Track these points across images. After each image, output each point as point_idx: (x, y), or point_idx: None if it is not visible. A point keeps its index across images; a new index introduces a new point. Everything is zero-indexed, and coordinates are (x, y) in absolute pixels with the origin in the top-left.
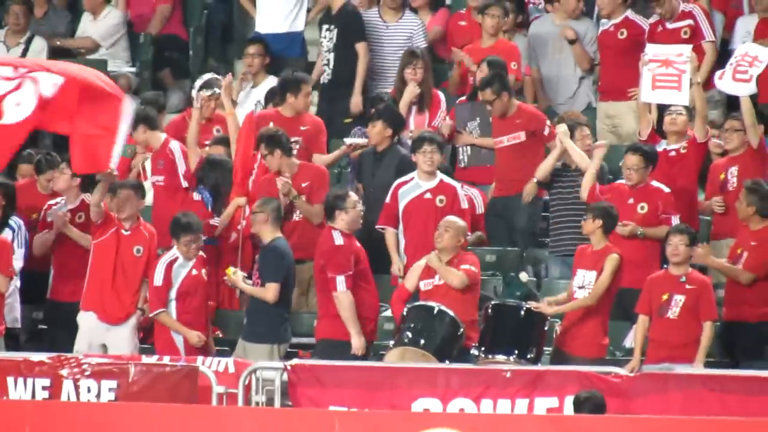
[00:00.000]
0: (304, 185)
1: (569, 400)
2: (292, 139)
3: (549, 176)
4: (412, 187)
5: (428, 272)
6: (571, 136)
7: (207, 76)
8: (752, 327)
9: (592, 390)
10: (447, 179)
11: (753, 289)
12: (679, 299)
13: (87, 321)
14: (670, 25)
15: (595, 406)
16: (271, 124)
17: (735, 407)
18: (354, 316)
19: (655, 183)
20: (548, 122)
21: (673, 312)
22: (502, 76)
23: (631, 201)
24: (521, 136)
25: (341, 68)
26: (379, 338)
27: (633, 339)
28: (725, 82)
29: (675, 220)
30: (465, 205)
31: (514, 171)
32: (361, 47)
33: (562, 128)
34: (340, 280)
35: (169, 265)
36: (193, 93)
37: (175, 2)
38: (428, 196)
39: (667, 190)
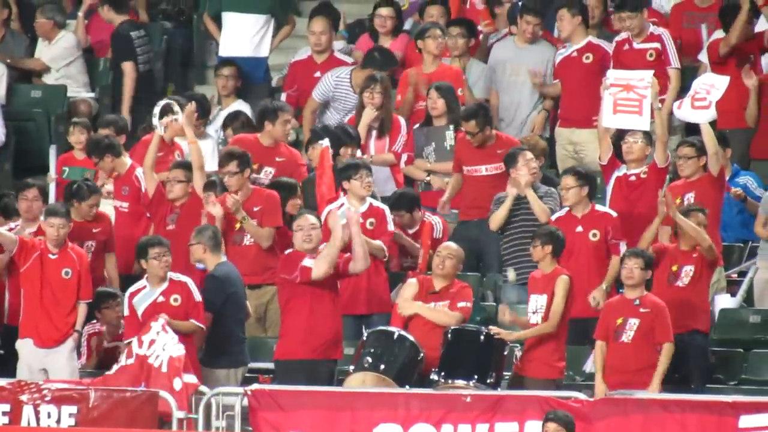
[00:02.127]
0: (255, 209)
1: (530, 425)
2: (267, 169)
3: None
4: (345, 211)
5: (422, 297)
6: (515, 162)
7: (163, 102)
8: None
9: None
10: (376, 203)
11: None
12: (634, 323)
13: (25, 347)
14: (636, 45)
15: (567, 423)
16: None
17: (694, 429)
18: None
19: (599, 208)
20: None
21: (627, 336)
22: (486, 109)
23: (579, 229)
24: (503, 166)
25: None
26: (340, 363)
27: (592, 364)
28: (684, 111)
29: (623, 246)
30: (392, 227)
31: (487, 196)
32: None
33: (514, 183)
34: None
35: (131, 295)
36: (154, 120)
37: (134, 25)
38: (360, 220)
39: (614, 214)
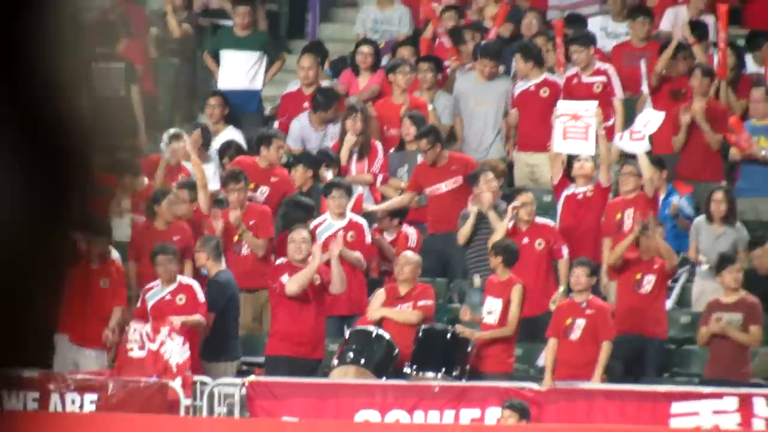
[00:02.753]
0: (251, 223)
1: (490, 412)
2: (262, 188)
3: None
4: (327, 226)
5: (390, 303)
6: (476, 181)
7: (173, 129)
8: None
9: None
10: (355, 218)
11: None
12: (581, 323)
13: (61, 341)
14: (585, 79)
15: (522, 410)
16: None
17: (632, 415)
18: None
19: (539, 220)
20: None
21: (575, 334)
22: (437, 130)
23: (526, 240)
24: (459, 180)
25: None
26: (326, 358)
27: (545, 358)
28: (623, 142)
29: (564, 250)
30: (369, 239)
31: (451, 210)
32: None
33: (477, 201)
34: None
35: (145, 291)
36: (162, 145)
37: (147, 64)
38: (341, 233)
39: (552, 224)
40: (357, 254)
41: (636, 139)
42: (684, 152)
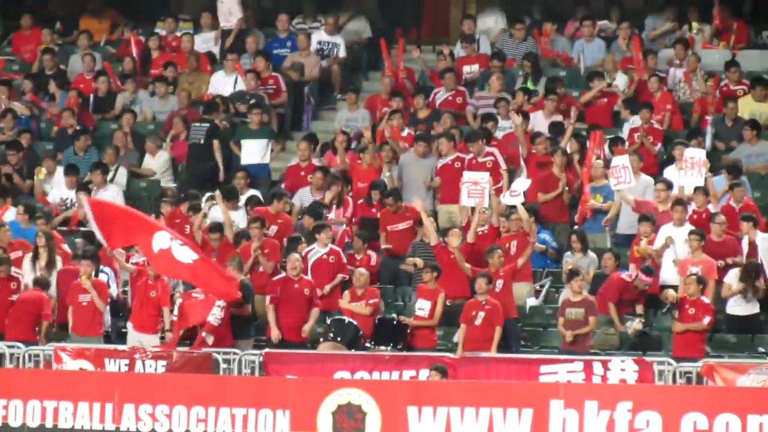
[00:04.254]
0: (266, 251)
1: (422, 372)
2: (273, 227)
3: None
4: (315, 252)
5: (352, 299)
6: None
7: (208, 193)
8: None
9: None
10: (334, 247)
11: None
12: (481, 314)
13: (130, 327)
14: (480, 159)
15: (443, 371)
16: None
17: (515, 374)
18: (272, 319)
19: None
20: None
21: (478, 321)
22: (399, 192)
23: (452, 257)
24: (410, 223)
25: None
26: (315, 337)
27: (458, 337)
28: (506, 198)
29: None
30: (345, 260)
31: (403, 242)
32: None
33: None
34: (267, 299)
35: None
36: (203, 202)
37: None
38: (324, 257)
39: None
40: (341, 276)
41: (514, 196)
42: (549, 203)
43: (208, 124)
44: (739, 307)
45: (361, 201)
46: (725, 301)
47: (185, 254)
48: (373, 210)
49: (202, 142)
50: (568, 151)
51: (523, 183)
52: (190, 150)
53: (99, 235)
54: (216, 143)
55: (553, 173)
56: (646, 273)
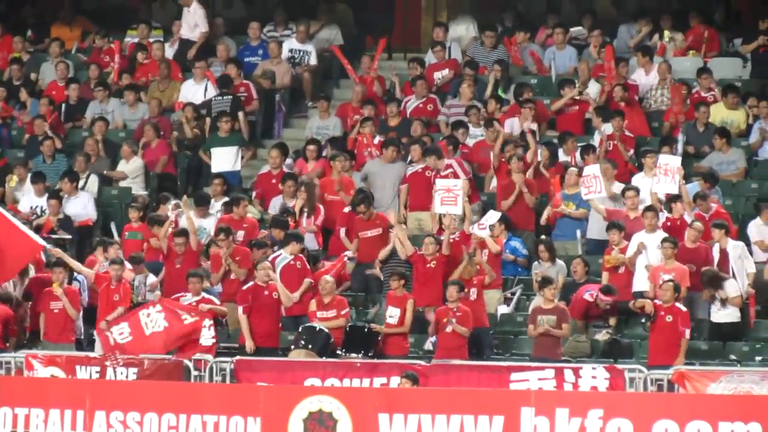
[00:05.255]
0: (237, 258)
1: (393, 380)
2: (239, 233)
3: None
4: (283, 258)
5: (320, 307)
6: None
7: (174, 201)
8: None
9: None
10: (299, 254)
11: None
12: (453, 321)
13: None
14: (443, 172)
15: (414, 378)
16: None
17: (486, 381)
18: (246, 329)
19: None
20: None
21: (449, 329)
22: (370, 199)
23: (429, 265)
24: (380, 230)
25: None
26: (285, 344)
27: (430, 344)
28: (474, 230)
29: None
30: (309, 266)
31: (372, 249)
32: None
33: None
34: (239, 309)
35: (178, 298)
36: (169, 210)
37: (170, 154)
38: (292, 262)
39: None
40: (308, 281)
41: (481, 229)
42: (514, 210)
43: (231, 97)
44: (716, 314)
45: (347, 210)
46: (698, 309)
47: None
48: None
49: (228, 112)
50: (539, 158)
51: (492, 216)
52: (214, 121)
53: None
54: (241, 115)
55: (512, 180)
56: (605, 293)
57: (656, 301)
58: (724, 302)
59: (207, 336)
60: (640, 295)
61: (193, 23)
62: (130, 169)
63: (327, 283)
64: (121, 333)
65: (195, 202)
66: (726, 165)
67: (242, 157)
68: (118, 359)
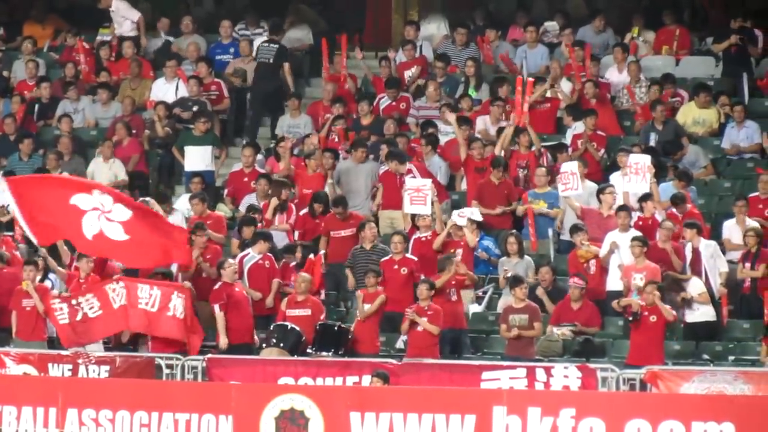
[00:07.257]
0: (208, 257)
1: (365, 378)
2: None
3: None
4: (251, 257)
5: (293, 305)
6: (364, 228)
7: (141, 198)
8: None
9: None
10: (268, 253)
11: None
12: (423, 320)
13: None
14: (407, 175)
15: (385, 377)
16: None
17: (458, 381)
18: (222, 326)
19: (407, 255)
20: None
21: (420, 327)
22: (345, 200)
23: (395, 267)
24: (354, 229)
25: None
26: (257, 343)
27: (402, 343)
28: (453, 217)
29: (422, 276)
30: (278, 266)
31: (344, 249)
32: None
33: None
34: (216, 307)
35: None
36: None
37: (141, 153)
38: (260, 262)
39: (414, 258)
40: (276, 281)
41: (461, 217)
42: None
43: (277, 45)
44: (690, 314)
45: (303, 212)
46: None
47: (116, 231)
48: (317, 221)
49: (271, 61)
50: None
51: (474, 213)
52: (258, 69)
53: (27, 229)
54: (287, 66)
55: (491, 181)
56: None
57: (640, 300)
58: (689, 302)
59: (179, 309)
60: (617, 294)
61: (120, 18)
62: (107, 175)
63: (303, 281)
64: (91, 307)
65: (156, 199)
66: (689, 165)
67: (217, 158)
68: (89, 357)
